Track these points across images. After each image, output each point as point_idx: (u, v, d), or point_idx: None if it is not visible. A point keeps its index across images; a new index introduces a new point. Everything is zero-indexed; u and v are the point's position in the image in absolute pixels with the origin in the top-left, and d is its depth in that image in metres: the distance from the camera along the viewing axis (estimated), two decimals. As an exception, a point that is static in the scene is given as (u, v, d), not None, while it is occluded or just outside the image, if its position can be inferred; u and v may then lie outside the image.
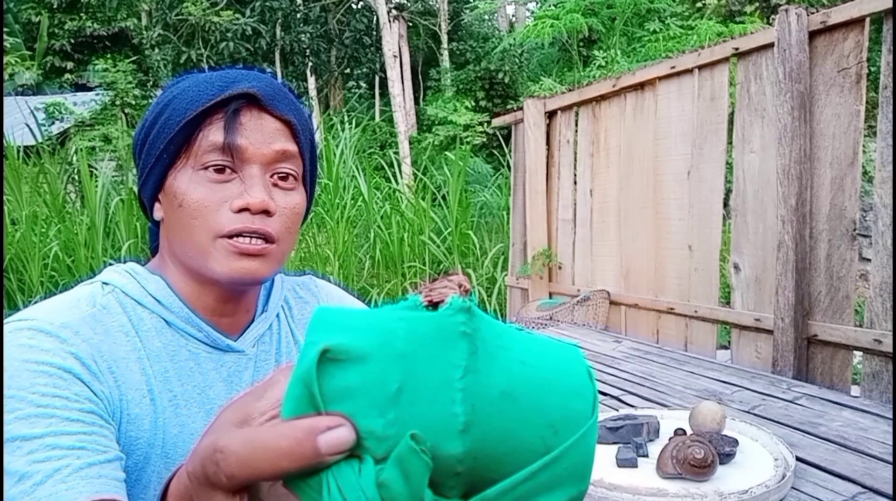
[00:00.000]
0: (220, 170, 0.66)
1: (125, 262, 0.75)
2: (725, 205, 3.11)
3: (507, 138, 6.64)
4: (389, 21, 11.17)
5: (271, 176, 0.69)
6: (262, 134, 0.67)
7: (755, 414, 1.71)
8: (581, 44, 10.60)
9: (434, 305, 0.28)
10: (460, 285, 0.29)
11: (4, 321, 0.62)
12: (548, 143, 4.40)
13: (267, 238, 0.67)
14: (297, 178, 0.71)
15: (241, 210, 0.66)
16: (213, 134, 0.65)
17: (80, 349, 0.61)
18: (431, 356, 0.27)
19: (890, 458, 1.37)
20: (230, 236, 0.66)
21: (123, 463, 0.60)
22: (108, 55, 12.94)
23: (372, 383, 0.26)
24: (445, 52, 14.18)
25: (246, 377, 0.73)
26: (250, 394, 0.32)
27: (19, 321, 0.62)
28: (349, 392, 0.26)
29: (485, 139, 10.43)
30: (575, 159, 4.15)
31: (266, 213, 0.67)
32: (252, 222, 0.66)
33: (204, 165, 0.66)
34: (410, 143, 10.82)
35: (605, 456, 1.37)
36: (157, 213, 0.71)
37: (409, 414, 0.26)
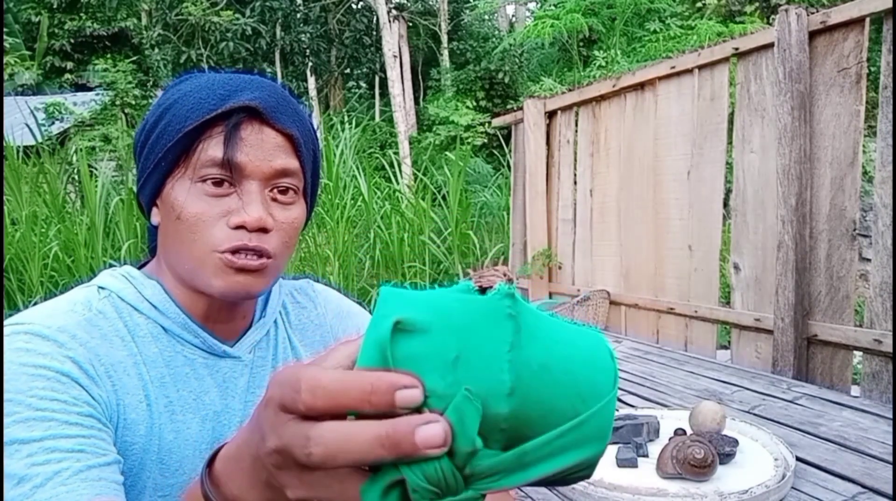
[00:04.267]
0: (219, 183, 0.66)
1: (123, 264, 0.74)
2: (725, 205, 3.11)
3: (508, 138, 6.63)
4: (389, 21, 11.17)
5: (271, 190, 0.68)
6: (262, 150, 0.66)
7: (755, 414, 1.71)
8: (581, 44, 10.61)
9: (483, 289, 0.33)
10: (504, 275, 0.35)
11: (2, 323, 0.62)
12: (548, 143, 4.39)
13: (263, 254, 0.67)
14: (297, 191, 0.70)
15: (238, 227, 0.65)
16: (213, 148, 0.65)
17: (77, 354, 0.61)
18: (483, 332, 0.32)
19: (890, 458, 1.36)
20: (226, 252, 0.66)
21: (121, 467, 0.60)
22: (108, 55, 12.97)
23: (434, 351, 0.31)
24: (445, 52, 14.19)
25: (241, 384, 0.72)
26: (309, 361, 0.35)
27: (16, 324, 0.61)
28: (416, 358, 0.31)
29: (485, 139, 10.44)
30: (575, 159, 4.15)
31: (263, 230, 0.66)
32: (249, 239, 0.65)
33: (202, 177, 0.65)
34: (410, 143, 10.82)
35: (605, 456, 1.37)
36: (155, 218, 0.70)
37: (465, 378, 0.30)
